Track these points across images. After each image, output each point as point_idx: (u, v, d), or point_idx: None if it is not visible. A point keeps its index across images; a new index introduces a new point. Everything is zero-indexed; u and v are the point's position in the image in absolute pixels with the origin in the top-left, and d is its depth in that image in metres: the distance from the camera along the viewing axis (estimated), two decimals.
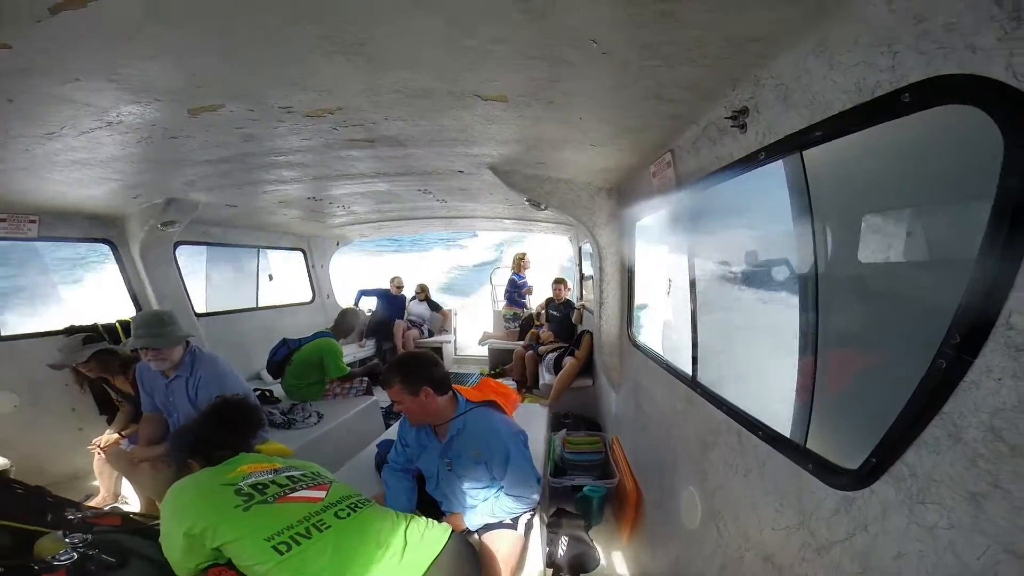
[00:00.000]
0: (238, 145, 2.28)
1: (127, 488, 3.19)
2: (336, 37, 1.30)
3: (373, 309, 7.67)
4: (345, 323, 4.70)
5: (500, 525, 2.05)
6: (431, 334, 7.83)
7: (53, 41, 1.25)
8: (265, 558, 1.43)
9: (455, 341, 8.16)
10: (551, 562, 2.45)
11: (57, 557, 1.46)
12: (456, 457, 2.10)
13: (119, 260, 4.01)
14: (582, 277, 6.36)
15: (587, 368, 5.05)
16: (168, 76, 1.51)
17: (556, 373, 5.10)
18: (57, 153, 2.18)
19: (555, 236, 7.20)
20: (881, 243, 1.45)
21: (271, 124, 2.00)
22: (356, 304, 7.68)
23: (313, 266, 6.71)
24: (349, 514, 1.63)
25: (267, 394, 4.21)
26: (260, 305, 5.85)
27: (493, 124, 2.06)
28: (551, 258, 11.74)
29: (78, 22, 1.16)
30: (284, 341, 4.45)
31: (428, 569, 1.53)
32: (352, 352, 6.53)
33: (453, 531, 1.74)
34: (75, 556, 1.47)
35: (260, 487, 1.61)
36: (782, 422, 1.44)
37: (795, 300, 1.49)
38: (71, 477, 3.55)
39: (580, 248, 6.20)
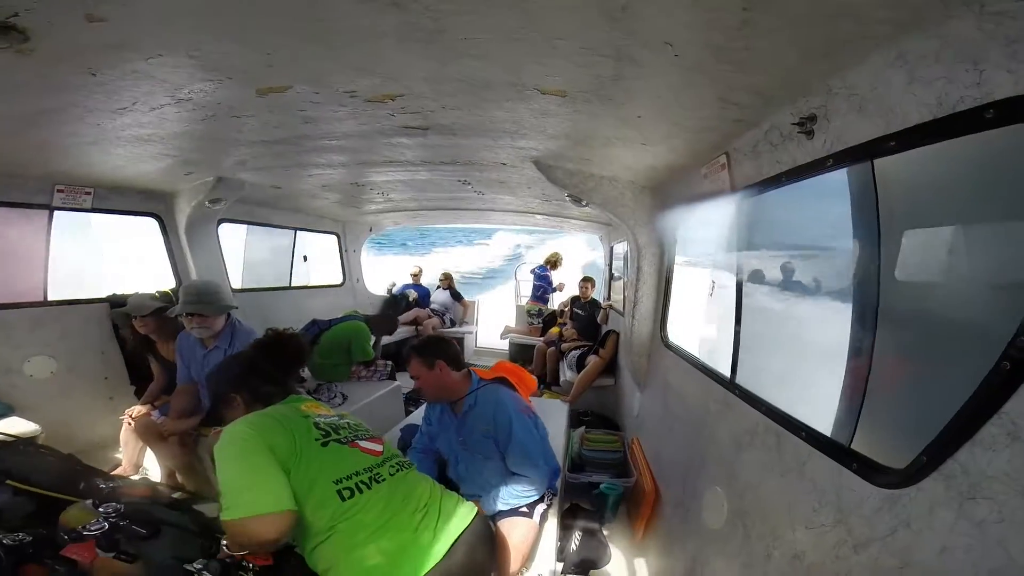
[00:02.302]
0: (296, 127, 2.35)
1: (149, 460, 3.25)
2: (414, 24, 1.33)
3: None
4: (386, 322, 4.76)
5: (516, 513, 2.09)
6: (453, 324, 7.90)
7: (146, 15, 1.29)
8: (326, 502, 1.41)
9: (476, 333, 8.22)
10: (563, 555, 2.47)
11: (88, 527, 1.41)
12: (469, 434, 2.17)
13: (164, 234, 4.14)
14: (611, 277, 6.35)
15: (609, 368, 5.05)
16: (245, 55, 1.56)
17: (578, 371, 5.12)
18: (124, 128, 2.26)
19: (583, 235, 7.20)
20: (945, 253, 1.45)
21: (333, 107, 2.05)
22: (395, 292, 7.78)
23: (346, 250, 6.83)
24: (397, 472, 1.64)
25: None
26: (293, 285, 5.98)
27: (547, 117, 2.08)
28: (571, 258, 11.74)
29: None
30: (314, 321, 4.54)
31: (455, 541, 1.54)
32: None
33: (477, 512, 1.75)
34: (106, 526, 1.42)
35: (333, 427, 1.60)
36: (826, 424, 1.46)
37: (847, 305, 1.50)
38: (96, 446, 3.50)
39: (612, 248, 6.19)
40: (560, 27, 1.29)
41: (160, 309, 3.23)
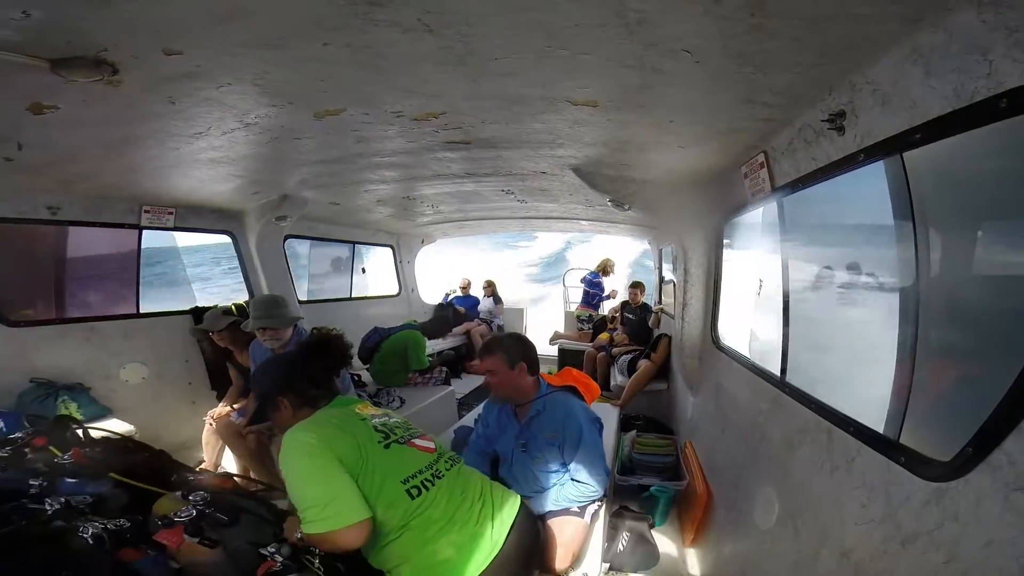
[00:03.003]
0: (350, 146, 2.54)
1: (227, 460, 3.51)
2: (449, 48, 1.46)
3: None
4: (439, 325, 4.95)
5: (567, 512, 2.11)
6: (500, 330, 8.01)
7: (216, 48, 1.46)
8: (397, 502, 1.45)
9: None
10: (609, 556, 2.47)
11: (178, 514, 1.53)
12: (532, 438, 2.19)
13: (238, 250, 4.52)
14: (661, 280, 6.26)
15: (661, 372, 4.98)
16: (304, 82, 1.73)
17: (629, 375, 5.08)
18: (200, 151, 2.52)
19: (632, 239, 7.13)
20: (984, 246, 1.41)
21: (383, 127, 2.22)
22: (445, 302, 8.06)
23: (401, 262, 7.14)
24: (452, 467, 1.68)
25: (356, 378, 4.55)
26: (353, 296, 6.31)
27: (581, 127, 2.16)
28: (620, 259, 11.61)
29: (238, 31, 1.36)
30: (376, 329, 4.78)
31: (511, 528, 1.60)
32: (434, 344, 6.87)
33: (521, 500, 1.78)
34: (193, 513, 1.54)
35: (388, 427, 1.62)
36: (874, 419, 1.45)
37: (893, 301, 1.48)
38: (181, 446, 3.70)
39: (661, 251, 6.12)
40: (583, 43, 1.37)
41: (234, 323, 3.52)
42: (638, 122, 2.03)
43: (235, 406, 3.59)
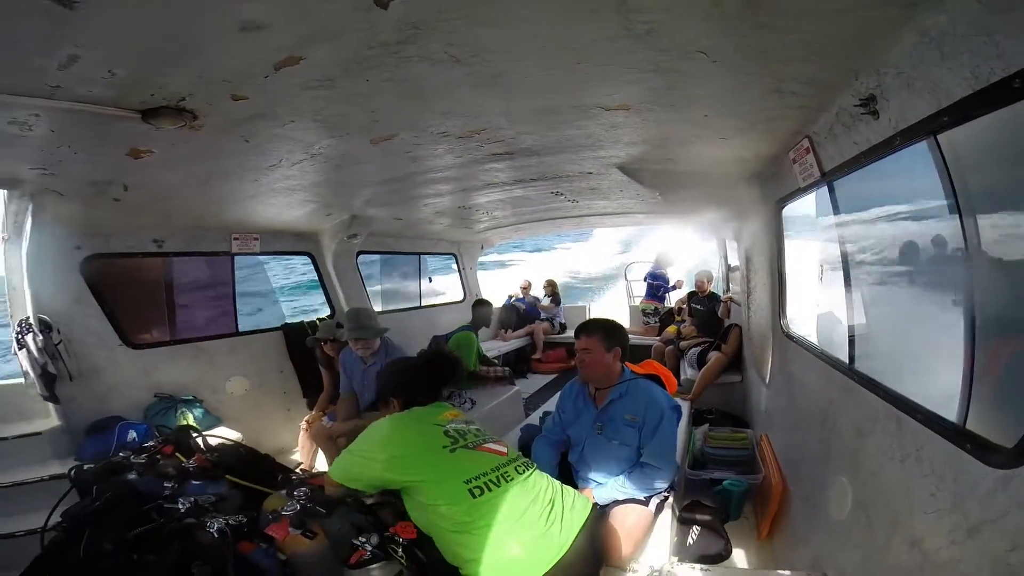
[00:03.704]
0: (406, 166, 2.75)
1: (320, 463, 3.77)
2: (478, 73, 1.58)
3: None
4: (480, 316, 5.13)
5: (632, 500, 2.13)
6: (563, 328, 8.05)
7: (276, 92, 1.66)
8: (459, 499, 1.57)
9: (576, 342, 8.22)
10: (677, 550, 2.44)
11: (284, 509, 1.67)
12: (610, 420, 2.25)
13: (317, 269, 4.90)
14: (728, 268, 6.04)
15: (734, 364, 4.82)
16: (356, 114, 1.93)
17: (699, 368, 4.95)
18: (275, 181, 2.82)
19: (692, 229, 6.91)
20: None
21: (432, 147, 2.39)
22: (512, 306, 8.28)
23: (463, 268, 7.41)
24: (523, 471, 1.76)
25: None
26: (422, 304, 6.64)
27: (618, 129, 2.21)
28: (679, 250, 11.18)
29: (293, 76, 1.54)
30: (434, 337, 5.04)
31: (579, 532, 1.65)
32: (496, 346, 7.07)
33: (593, 504, 1.85)
34: (298, 507, 1.67)
35: (461, 433, 1.78)
36: (941, 405, 1.41)
37: (954, 283, 1.41)
38: (278, 451, 3.87)
39: (724, 239, 5.91)
40: (603, 55, 1.44)
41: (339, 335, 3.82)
42: (673, 120, 2.05)
43: (325, 411, 3.90)
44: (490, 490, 1.62)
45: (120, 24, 1.18)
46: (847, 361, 2.09)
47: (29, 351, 2.98)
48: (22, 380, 3.20)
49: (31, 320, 2.98)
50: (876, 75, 1.41)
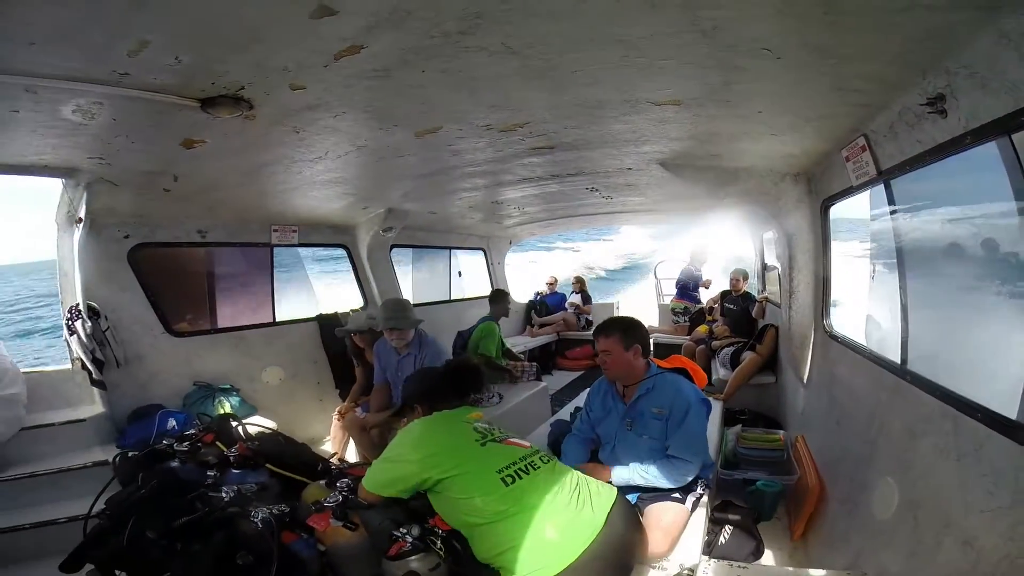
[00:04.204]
0: (446, 159, 2.76)
1: (351, 453, 3.79)
2: (531, 66, 1.57)
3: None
4: (498, 307, 5.14)
5: (668, 498, 2.12)
6: (590, 325, 7.97)
7: (333, 81, 1.67)
8: (493, 489, 1.62)
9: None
10: (709, 549, 2.40)
11: (327, 500, 1.68)
12: (638, 415, 2.25)
13: (351, 261, 4.97)
14: (764, 268, 5.90)
15: (768, 365, 4.71)
16: (406, 105, 1.93)
17: (732, 369, 4.86)
18: (319, 174, 2.85)
19: (729, 227, 6.76)
20: None
21: (474, 140, 2.39)
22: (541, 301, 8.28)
23: (492, 263, 7.44)
24: (547, 461, 1.84)
25: None
26: (452, 298, 6.68)
27: (665, 124, 2.18)
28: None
29: (352, 65, 1.55)
30: (459, 333, 5.10)
31: (608, 514, 1.69)
32: (522, 341, 7.07)
33: (617, 493, 1.86)
34: (340, 498, 1.69)
35: (488, 430, 1.87)
36: (1004, 403, 1.39)
37: (1013, 279, 1.37)
38: (310, 441, 3.82)
39: (762, 237, 5.77)
40: (660, 51, 1.42)
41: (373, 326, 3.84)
42: (725, 115, 2.02)
43: (357, 401, 3.94)
44: (520, 478, 1.68)
45: (192, 9, 1.20)
46: (899, 362, 2.05)
47: (79, 337, 3.08)
48: (70, 367, 3.32)
49: (80, 306, 3.07)
50: (946, 74, 1.40)
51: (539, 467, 1.77)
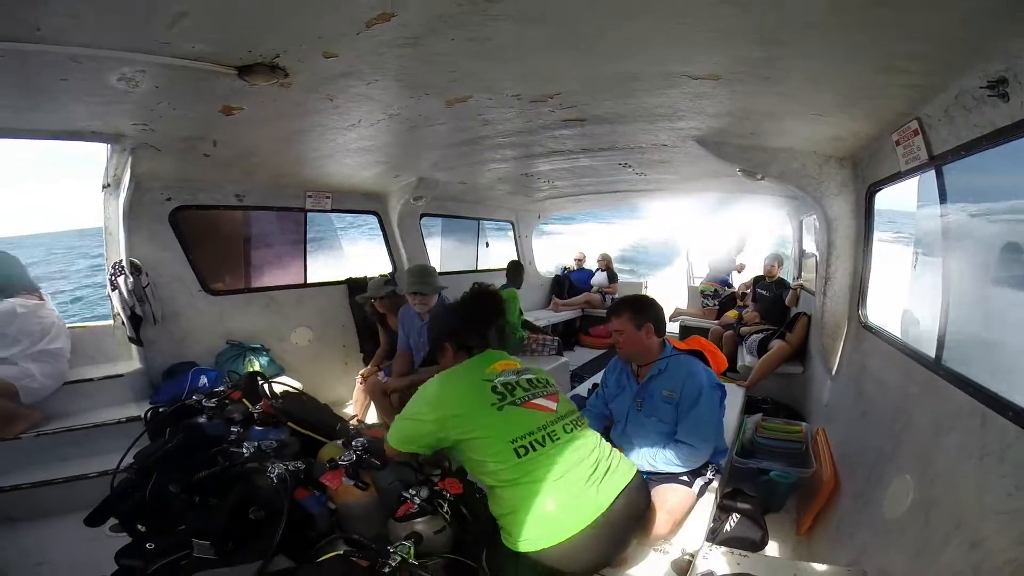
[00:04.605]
0: (476, 129, 2.73)
1: (371, 416, 3.89)
2: (561, 35, 1.53)
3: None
4: (514, 279, 5.17)
5: (675, 480, 2.11)
6: None
7: (365, 49, 1.67)
8: (504, 458, 1.60)
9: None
10: (714, 536, 2.39)
11: (341, 459, 1.70)
12: (649, 397, 2.23)
13: (382, 228, 5.03)
14: (802, 254, 5.70)
15: (797, 355, 4.60)
16: (436, 73, 1.91)
17: (759, 356, 4.76)
18: (352, 142, 2.87)
19: (766, 209, 6.53)
20: None
21: (503, 110, 2.36)
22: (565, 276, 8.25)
23: (519, 236, 7.42)
24: (572, 429, 1.76)
25: None
26: (478, 268, 6.72)
27: (703, 99, 2.09)
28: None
29: (383, 33, 1.54)
30: (475, 283, 5.06)
31: (619, 494, 1.68)
32: (547, 316, 7.08)
33: (637, 470, 1.84)
34: (354, 457, 1.71)
35: (510, 387, 1.76)
36: None
37: None
38: (333, 403, 3.73)
39: (801, 222, 5.55)
40: (701, 21, 1.36)
41: (393, 292, 3.92)
42: (766, 92, 1.92)
43: (380, 366, 4.05)
44: (535, 449, 1.64)
45: None
46: (933, 355, 1.99)
47: (120, 292, 3.23)
48: (111, 322, 3.51)
49: (124, 263, 3.22)
50: (1007, 57, 1.32)
51: (559, 438, 1.69)
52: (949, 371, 1.85)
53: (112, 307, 3.44)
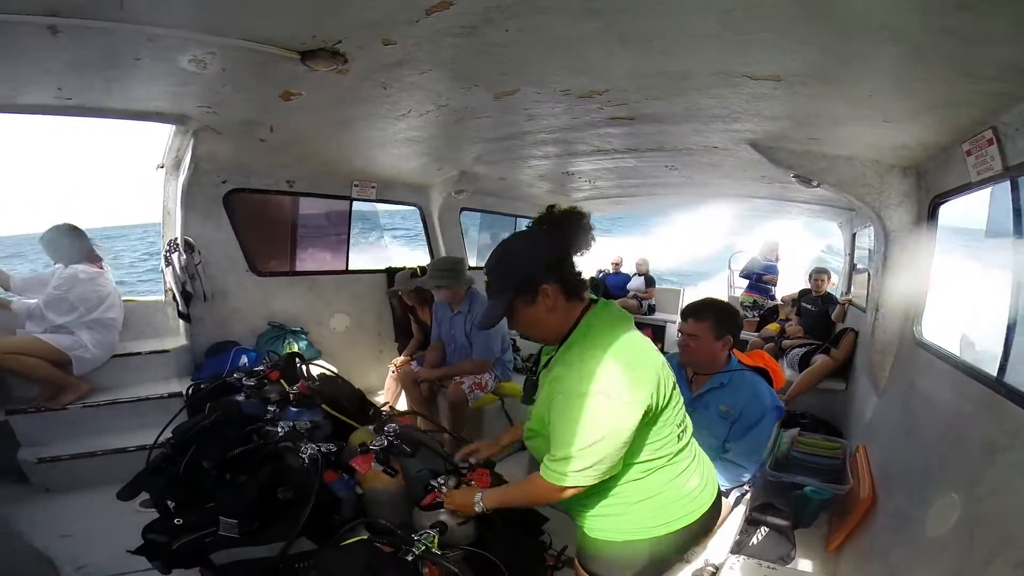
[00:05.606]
0: (521, 123, 2.73)
1: (401, 405, 3.89)
2: (615, 31, 1.50)
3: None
4: None
5: None
6: (652, 310, 7.72)
7: (422, 37, 1.67)
8: (668, 444, 1.38)
9: (679, 323, 7.88)
10: (739, 548, 2.30)
11: (372, 444, 1.69)
12: (703, 408, 2.11)
13: (423, 220, 5.09)
14: (853, 269, 5.45)
15: (840, 371, 4.42)
16: (487, 64, 1.91)
17: (800, 371, 4.58)
18: (400, 132, 2.90)
19: (817, 221, 6.27)
20: None
21: (550, 105, 2.34)
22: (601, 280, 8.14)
23: None
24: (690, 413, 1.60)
25: (512, 342, 4.88)
26: None
27: (760, 101, 2.03)
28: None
29: (441, 21, 1.53)
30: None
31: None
32: None
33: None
34: (385, 443, 1.69)
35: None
36: None
37: None
38: (365, 389, 4.05)
39: (854, 235, 5.31)
40: (761, 21, 1.31)
41: (420, 285, 3.96)
42: (830, 95, 1.85)
43: (413, 356, 4.12)
44: (685, 432, 1.47)
45: None
46: (995, 373, 1.91)
47: (174, 269, 3.39)
48: (162, 298, 3.66)
49: (178, 240, 3.38)
50: None
51: (690, 424, 1.54)
52: (1011, 389, 1.76)
53: (165, 283, 3.61)
